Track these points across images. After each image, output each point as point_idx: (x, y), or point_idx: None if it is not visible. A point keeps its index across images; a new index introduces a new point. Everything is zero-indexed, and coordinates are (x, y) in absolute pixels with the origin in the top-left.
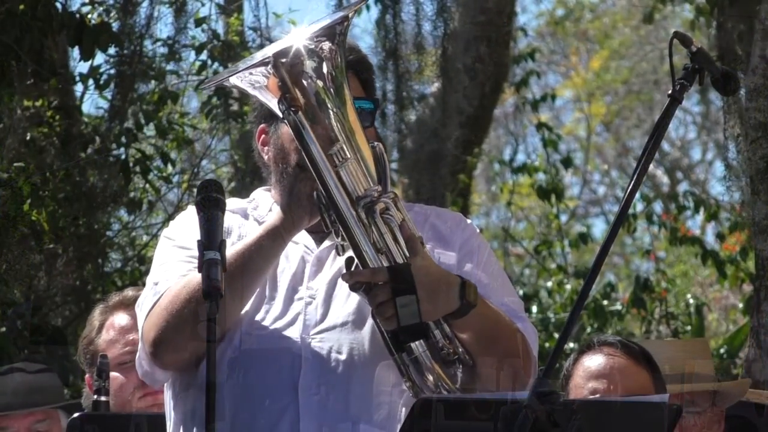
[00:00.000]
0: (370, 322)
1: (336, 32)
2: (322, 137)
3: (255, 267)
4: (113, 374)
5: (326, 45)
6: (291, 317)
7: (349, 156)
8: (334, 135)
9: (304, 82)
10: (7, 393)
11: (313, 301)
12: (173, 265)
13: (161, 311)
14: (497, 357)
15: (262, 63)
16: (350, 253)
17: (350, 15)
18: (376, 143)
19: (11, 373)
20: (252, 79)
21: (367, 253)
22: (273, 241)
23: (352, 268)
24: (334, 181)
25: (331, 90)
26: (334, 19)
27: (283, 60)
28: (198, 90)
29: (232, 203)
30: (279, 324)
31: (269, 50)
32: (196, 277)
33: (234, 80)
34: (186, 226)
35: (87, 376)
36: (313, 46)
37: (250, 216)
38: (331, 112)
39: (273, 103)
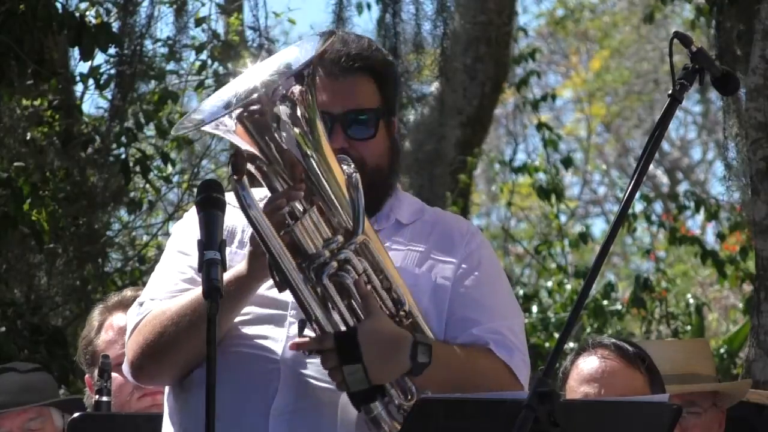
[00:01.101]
0: None
1: (304, 75)
2: (285, 195)
3: (221, 312)
4: (112, 375)
5: (296, 89)
6: (272, 337)
7: (306, 208)
8: (300, 186)
9: (281, 132)
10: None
11: (296, 323)
12: (166, 277)
13: (139, 336)
14: None
15: (228, 113)
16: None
17: (315, 60)
18: (354, 175)
19: (3, 373)
20: (220, 122)
21: (317, 318)
22: (239, 288)
23: (304, 331)
24: (278, 247)
25: (309, 137)
26: (300, 65)
27: (250, 108)
28: (198, 91)
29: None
30: (260, 342)
31: (234, 96)
32: (173, 307)
33: (206, 127)
34: (192, 226)
35: (86, 376)
36: (283, 92)
37: None
38: (312, 160)
39: (246, 146)
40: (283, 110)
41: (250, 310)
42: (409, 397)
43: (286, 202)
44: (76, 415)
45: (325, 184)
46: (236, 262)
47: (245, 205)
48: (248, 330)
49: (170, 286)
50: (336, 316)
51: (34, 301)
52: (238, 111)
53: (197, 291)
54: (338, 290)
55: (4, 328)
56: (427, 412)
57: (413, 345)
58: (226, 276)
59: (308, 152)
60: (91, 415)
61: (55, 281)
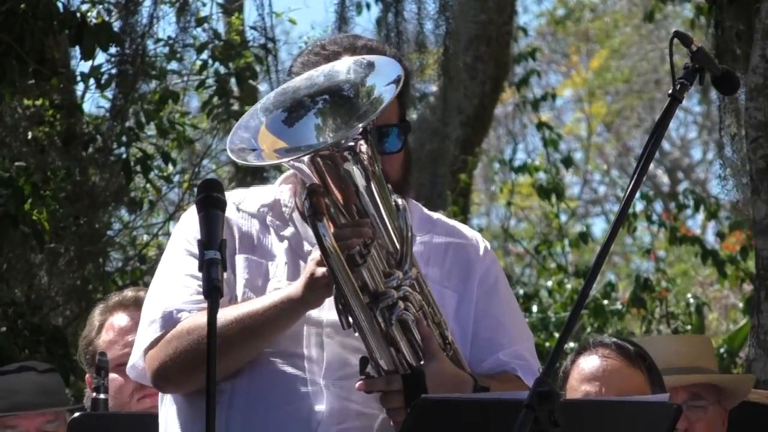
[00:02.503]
0: None
1: (368, 131)
2: (355, 233)
3: (265, 333)
4: (112, 375)
5: (363, 147)
6: (309, 357)
7: (368, 243)
8: (365, 222)
9: (352, 179)
10: (20, 392)
11: (333, 339)
12: (182, 284)
13: (169, 347)
14: None
15: (299, 159)
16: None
17: (375, 120)
18: (400, 201)
19: (23, 371)
20: (290, 163)
21: (382, 359)
22: (288, 311)
23: (367, 369)
24: (350, 285)
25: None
26: (366, 122)
27: (322, 155)
28: (199, 91)
29: (248, 202)
30: (298, 362)
31: (302, 142)
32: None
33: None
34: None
35: (87, 375)
36: (352, 143)
37: (270, 229)
38: (368, 194)
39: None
40: (357, 174)
41: None
42: None
43: (357, 240)
44: (76, 414)
45: (374, 212)
46: (262, 269)
47: (321, 235)
48: (281, 347)
49: (189, 296)
50: (395, 354)
51: (34, 301)
52: (309, 156)
53: (238, 311)
54: (401, 328)
55: (4, 328)
56: (428, 413)
57: (474, 388)
58: (275, 296)
59: (365, 185)
60: (91, 415)
61: (55, 281)
